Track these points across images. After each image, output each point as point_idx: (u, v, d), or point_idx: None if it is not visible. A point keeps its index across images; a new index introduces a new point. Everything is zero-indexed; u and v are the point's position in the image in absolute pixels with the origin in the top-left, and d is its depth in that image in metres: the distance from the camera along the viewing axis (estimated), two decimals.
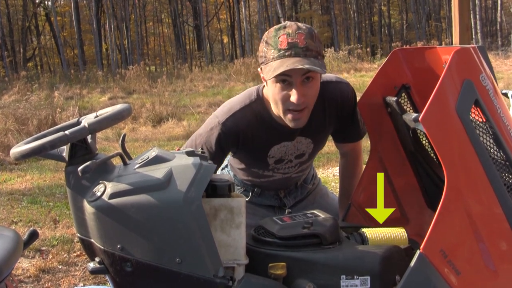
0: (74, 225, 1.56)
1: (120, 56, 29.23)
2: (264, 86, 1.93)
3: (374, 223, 1.97)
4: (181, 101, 12.24)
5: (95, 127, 1.44)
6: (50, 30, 33.56)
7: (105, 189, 1.42)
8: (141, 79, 16.64)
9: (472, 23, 21.59)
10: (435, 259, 1.42)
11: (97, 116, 1.55)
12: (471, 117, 1.47)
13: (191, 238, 1.39)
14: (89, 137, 1.53)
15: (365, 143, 2.26)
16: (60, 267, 3.37)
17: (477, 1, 23.61)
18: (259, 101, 1.91)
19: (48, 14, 32.33)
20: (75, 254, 3.55)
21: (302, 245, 1.55)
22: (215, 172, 1.59)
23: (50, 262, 3.41)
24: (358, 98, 1.98)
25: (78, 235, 1.53)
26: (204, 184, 1.42)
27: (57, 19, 29.52)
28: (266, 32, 1.79)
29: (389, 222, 1.95)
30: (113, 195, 1.41)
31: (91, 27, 29.25)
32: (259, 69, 1.84)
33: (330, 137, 2.14)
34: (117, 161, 1.58)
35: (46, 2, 33.35)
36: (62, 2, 34.92)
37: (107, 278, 1.56)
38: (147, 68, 22.98)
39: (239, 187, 2.20)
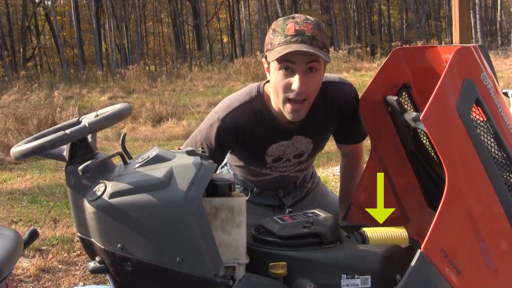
0: (75, 224, 1.56)
1: (120, 55, 29.22)
2: (264, 83, 1.92)
3: (374, 223, 1.97)
4: (180, 101, 12.24)
5: (95, 127, 1.43)
6: (50, 30, 33.56)
7: (105, 188, 1.42)
8: (140, 79, 16.63)
9: (472, 22, 21.60)
10: (436, 259, 1.42)
11: (97, 116, 1.55)
12: (472, 116, 1.47)
13: (191, 238, 1.39)
14: (89, 137, 1.53)
15: (365, 142, 2.26)
16: (60, 266, 3.37)
17: (477, 1, 23.62)
18: (259, 98, 1.91)
19: (48, 13, 32.33)
20: (75, 253, 3.55)
21: (303, 245, 1.55)
22: (216, 170, 1.59)
23: (50, 261, 3.40)
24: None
25: (79, 234, 1.53)
26: (204, 184, 1.42)
27: (57, 19, 29.52)
28: (274, 22, 1.80)
29: (390, 222, 1.95)
30: (113, 195, 1.40)
31: (91, 27, 29.25)
32: (263, 59, 1.84)
33: (330, 137, 2.13)
34: (117, 161, 1.57)
35: (45, 2, 33.38)
36: (61, 2, 34.92)
37: (107, 277, 1.56)
38: (147, 68, 22.98)
39: (238, 186, 2.20)
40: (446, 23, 29.03)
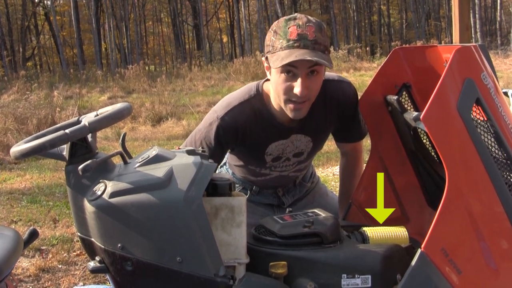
0: (74, 224, 1.55)
1: (120, 55, 29.21)
2: (264, 82, 1.92)
3: (374, 222, 1.97)
4: (180, 101, 12.23)
5: (95, 126, 1.43)
6: (50, 30, 33.55)
7: (105, 188, 1.42)
8: (140, 79, 16.62)
9: (472, 22, 21.60)
10: (436, 258, 1.42)
11: (97, 115, 1.54)
12: (472, 116, 1.47)
13: (191, 237, 1.39)
14: (89, 136, 1.53)
15: (366, 142, 2.26)
16: (60, 266, 3.36)
17: (476, 0, 23.62)
18: (259, 97, 1.91)
19: (47, 13, 32.32)
20: (75, 253, 3.54)
21: (303, 244, 1.55)
22: (216, 169, 1.59)
23: (50, 261, 3.40)
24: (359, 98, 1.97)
25: (79, 234, 1.53)
26: (204, 183, 1.42)
27: (56, 19, 29.50)
28: (276, 22, 1.79)
29: (390, 221, 1.95)
30: (113, 194, 1.40)
31: (91, 27, 29.23)
32: (263, 58, 1.84)
33: (330, 136, 2.13)
34: (117, 160, 1.57)
35: (45, 2, 33.38)
36: (61, 2, 34.90)
37: (107, 277, 1.56)
38: (147, 68, 22.96)
39: (237, 185, 2.20)
40: (446, 23, 29.03)
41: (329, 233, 1.55)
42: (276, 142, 1.95)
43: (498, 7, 27.88)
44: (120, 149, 1.56)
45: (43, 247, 3.66)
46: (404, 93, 1.91)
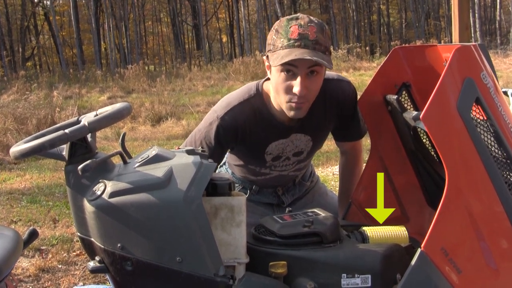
0: (74, 224, 1.55)
1: (119, 55, 29.20)
2: (263, 81, 1.92)
3: (374, 222, 1.97)
4: (180, 100, 12.23)
5: (95, 126, 1.43)
6: (49, 30, 33.53)
7: (105, 188, 1.42)
8: (140, 79, 16.62)
9: (471, 21, 21.60)
10: (436, 258, 1.42)
11: (97, 115, 1.54)
12: (472, 115, 1.47)
13: (191, 237, 1.39)
14: (89, 136, 1.52)
15: (365, 141, 2.26)
16: (60, 266, 3.36)
17: (476, 0, 23.62)
18: (258, 97, 1.91)
19: (47, 13, 32.31)
20: (74, 253, 3.54)
21: (303, 244, 1.55)
22: (216, 169, 1.59)
23: (49, 261, 3.40)
24: (358, 97, 1.97)
25: (78, 234, 1.53)
26: (204, 183, 1.42)
27: (56, 19, 29.51)
28: (278, 21, 1.79)
29: (390, 221, 1.95)
30: (113, 194, 1.40)
31: (90, 27, 29.23)
32: (264, 57, 1.84)
33: (330, 136, 2.13)
34: (117, 160, 1.57)
35: (44, 2, 33.36)
36: (60, 2, 34.88)
37: (107, 277, 1.56)
38: (146, 68, 22.97)
39: (237, 185, 2.20)
40: (445, 22, 29.04)
41: (329, 232, 1.55)
42: (276, 142, 1.95)
43: (498, 7, 27.89)
44: (119, 149, 1.56)
45: (43, 247, 3.66)
46: (404, 92, 1.91)
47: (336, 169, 5.59)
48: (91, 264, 1.50)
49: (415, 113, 1.65)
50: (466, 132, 1.43)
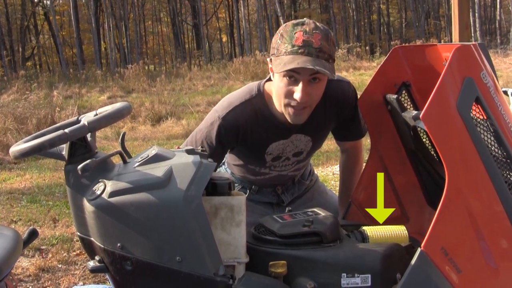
0: (74, 223, 1.55)
1: (119, 55, 29.20)
2: (265, 82, 1.92)
3: (374, 222, 1.97)
4: (180, 100, 12.23)
5: (94, 125, 1.43)
6: (49, 29, 33.52)
7: (105, 187, 1.42)
8: (140, 78, 16.62)
9: (471, 21, 21.59)
10: (436, 257, 1.42)
11: (96, 115, 1.54)
12: (472, 115, 1.47)
13: (191, 237, 1.39)
14: (88, 136, 1.52)
15: (365, 141, 2.25)
16: (60, 266, 3.36)
17: None
18: (260, 97, 1.91)
19: (47, 13, 32.31)
20: (74, 253, 3.54)
21: (303, 243, 1.55)
22: (216, 169, 1.59)
23: (49, 261, 3.40)
24: (358, 97, 1.97)
25: (78, 233, 1.53)
26: (204, 183, 1.42)
27: (56, 18, 29.50)
28: (283, 25, 1.79)
29: (390, 220, 1.95)
30: (113, 194, 1.40)
31: (90, 26, 29.23)
32: (268, 59, 1.84)
33: (330, 136, 2.14)
34: (116, 160, 1.57)
35: (44, 1, 33.36)
36: (60, 1, 34.87)
37: (107, 276, 1.56)
38: (146, 67, 22.97)
39: (236, 185, 2.20)
40: (445, 21, 29.04)
41: (329, 232, 1.55)
42: (276, 142, 1.96)
43: (498, 6, 27.88)
44: (119, 148, 1.56)
45: (43, 247, 3.66)
46: (404, 92, 1.90)
47: (336, 168, 5.60)
48: (91, 263, 1.50)
49: (415, 112, 1.65)
50: (466, 131, 1.43)
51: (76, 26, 27.92)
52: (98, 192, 1.42)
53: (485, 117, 1.50)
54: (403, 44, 2.04)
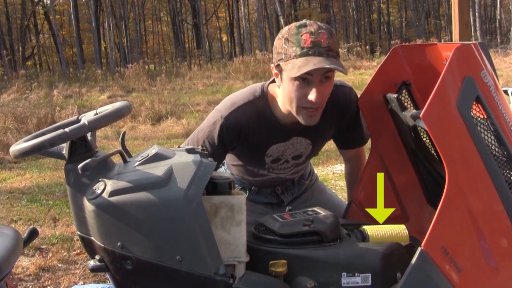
0: (74, 223, 1.55)
1: (119, 54, 29.19)
2: (269, 83, 1.92)
3: (374, 221, 1.97)
4: (180, 100, 12.23)
5: (94, 125, 1.43)
6: (49, 29, 33.52)
7: (105, 186, 1.42)
8: (140, 78, 16.63)
9: (472, 20, 21.59)
10: (436, 256, 1.42)
11: (96, 114, 1.54)
12: (472, 114, 1.47)
13: (191, 236, 1.39)
14: (88, 135, 1.52)
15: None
16: (60, 265, 3.37)
17: None
18: (263, 98, 1.91)
19: (47, 12, 32.31)
20: (75, 252, 3.54)
21: (303, 243, 1.55)
22: (216, 169, 1.59)
23: (50, 260, 3.40)
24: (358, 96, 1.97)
25: (78, 233, 1.53)
26: (204, 182, 1.42)
27: (56, 18, 29.49)
28: (286, 29, 1.77)
29: (390, 220, 1.95)
30: (113, 193, 1.40)
31: (90, 26, 29.22)
32: (272, 65, 1.83)
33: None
34: (116, 159, 1.57)
35: (44, 1, 33.35)
36: (60, 1, 34.86)
37: (107, 276, 1.56)
38: (146, 67, 22.95)
39: (236, 185, 2.20)
40: (446, 21, 29.02)
41: (329, 231, 1.55)
42: (277, 144, 1.96)
43: (498, 5, 27.88)
44: (119, 148, 1.56)
45: (43, 246, 3.67)
46: (404, 91, 1.90)
47: (336, 168, 5.60)
48: (91, 263, 1.50)
49: (415, 111, 1.65)
50: (466, 130, 1.43)
51: (76, 26, 27.92)
52: (98, 191, 1.42)
53: (485, 116, 1.50)
54: (403, 43, 2.03)
